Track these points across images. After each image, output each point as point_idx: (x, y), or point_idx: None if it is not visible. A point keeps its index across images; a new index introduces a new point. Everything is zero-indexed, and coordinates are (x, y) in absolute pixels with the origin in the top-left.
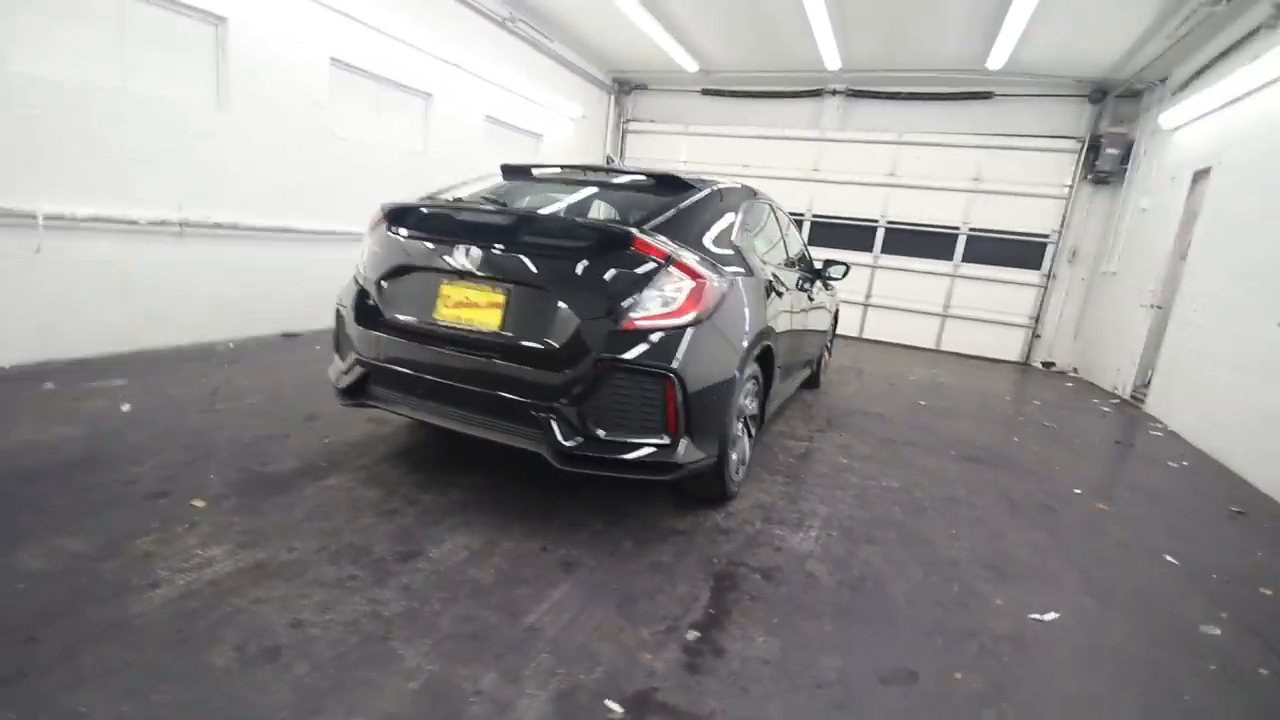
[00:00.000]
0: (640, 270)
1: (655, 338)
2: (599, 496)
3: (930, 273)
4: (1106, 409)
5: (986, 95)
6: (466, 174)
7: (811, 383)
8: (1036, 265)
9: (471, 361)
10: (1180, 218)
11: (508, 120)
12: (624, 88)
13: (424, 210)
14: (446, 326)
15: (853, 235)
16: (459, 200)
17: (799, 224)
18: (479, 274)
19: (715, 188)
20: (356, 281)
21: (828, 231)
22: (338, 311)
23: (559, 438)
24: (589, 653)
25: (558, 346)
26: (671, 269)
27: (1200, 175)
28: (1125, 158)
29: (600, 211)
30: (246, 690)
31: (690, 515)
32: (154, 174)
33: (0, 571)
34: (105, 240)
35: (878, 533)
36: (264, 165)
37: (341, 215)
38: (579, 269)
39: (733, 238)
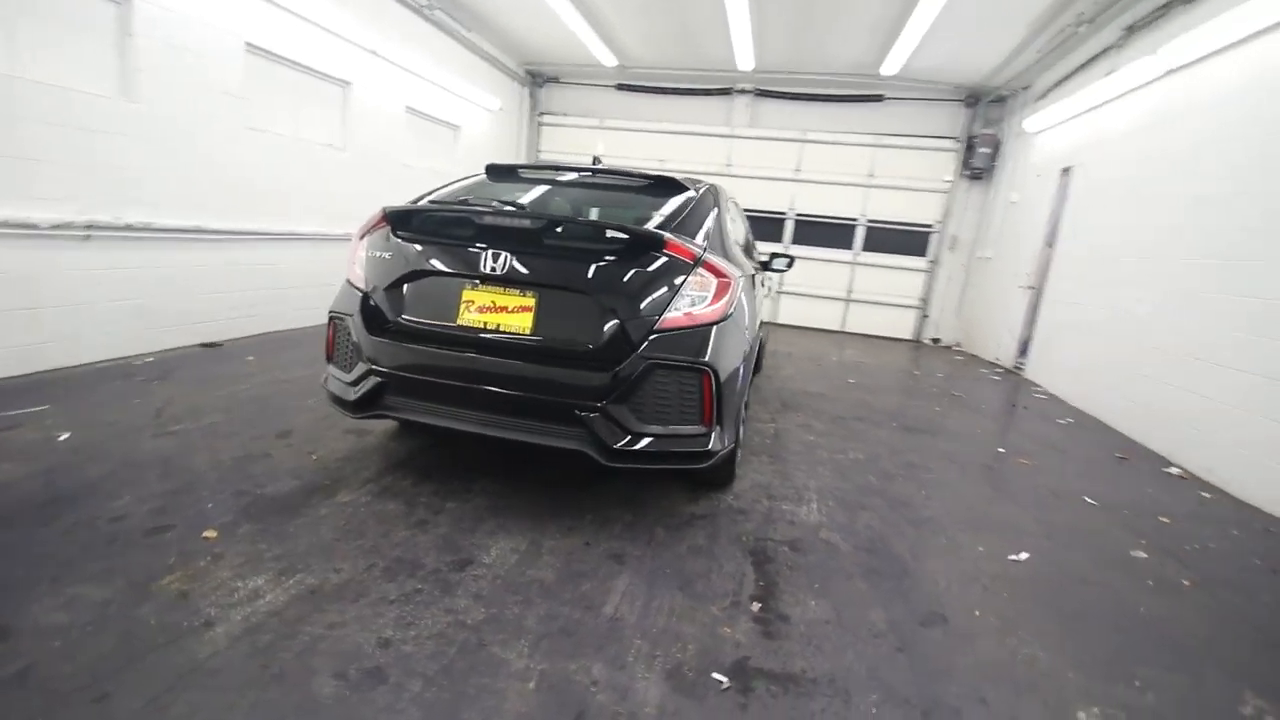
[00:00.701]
0: (672, 271)
1: (690, 334)
2: (614, 490)
3: (834, 261)
4: (995, 378)
5: (878, 98)
6: (387, 169)
7: (756, 367)
8: (923, 252)
9: (503, 366)
10: (1048, 210)
11: (427, 111)
12: (537, 80)
13: (437, 214)
14: (472, 331)
15: (765, 227)
16: (465, 202)
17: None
18: (508, 278)
19: (702, 187)
20: (357, 288)
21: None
22: (335, 321)
23: (606, 436)
24: (674, 633)
25: (599, 347)
26: (700, 269)
27: (1065, 173)
28: (995, 156)
29: (607, 213)
30: (373, 714)
31: (704, 500)
32: (54, 171)
33: (23, 632)
34: (1, 247)
35: (865, 499)
36: (176, 161)
37: (261, 214)
38: (614, 271)
39: (723, 234)
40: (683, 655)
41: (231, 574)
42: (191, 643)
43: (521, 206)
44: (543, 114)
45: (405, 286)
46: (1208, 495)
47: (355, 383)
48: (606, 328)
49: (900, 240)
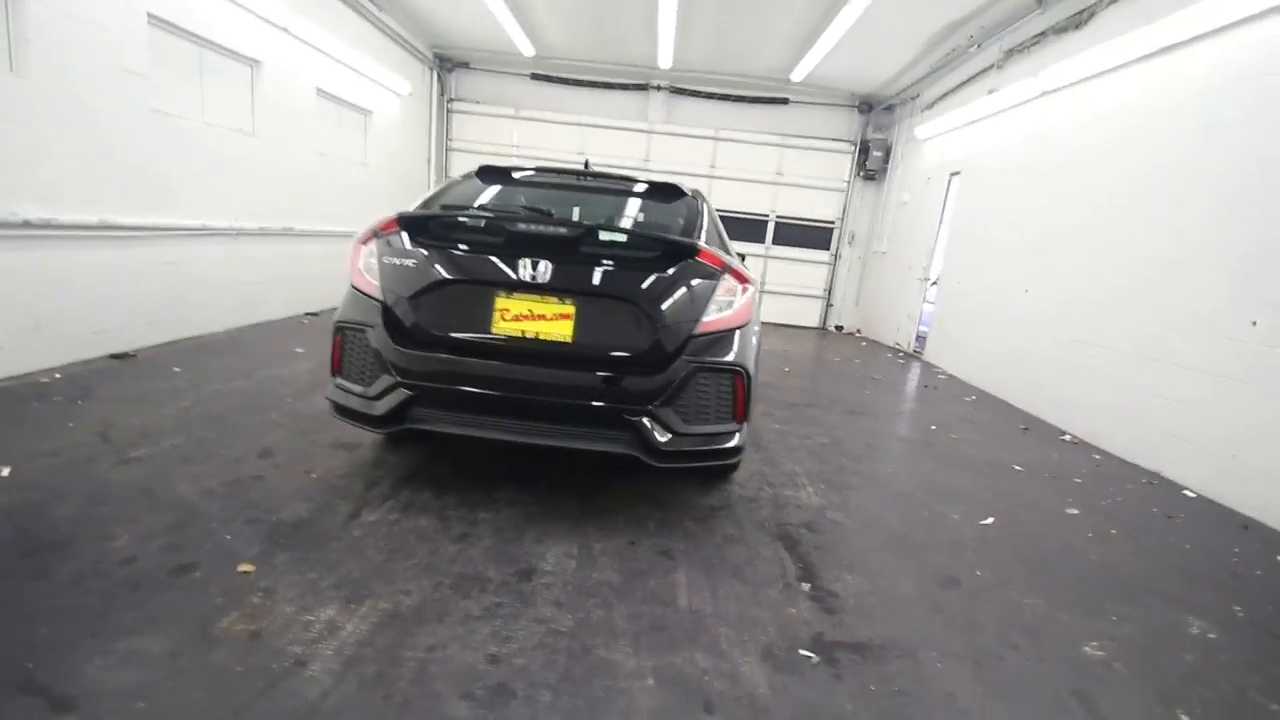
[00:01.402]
0: (705, 278)
1: (723, 338)
2: (629, 490)
3: (748, 255)
4: (901, 361)
5: (784, 101)
6: (300, 156)
7: None
8: (826, 246)
9: (548, 374)
10: (940, 210)
11: (339, 95)
12: (445, 64)
13: (463, 220)
14: (511, 340)
15: None
16: (484, 208)
17: None
18: (546, 286)
19: (692, 190)
20: (372, 297)
21: None
22: (346, 333)
23: (655, 437)
24: (749, 618)
25: (644, 352)
26: (726, 275)
27: (954, 176)
28: (886, 159)
29: (619, 219)
30: None
31: (715, 492)
32: None
33: (92, 697)
34: None
35: (847, 480)
36: (76, 147)
37: (171, 207)
38: (653, 279)
39: (721, 237)
40: (766, 637)
41: (295, 608)
42: (295, 685)
43: (547, 212)
44: (453, 100)
45: (432, 295)
46: (1098, 457)
47: (379, 396)
48: (650, 333)
49: (806, 235)
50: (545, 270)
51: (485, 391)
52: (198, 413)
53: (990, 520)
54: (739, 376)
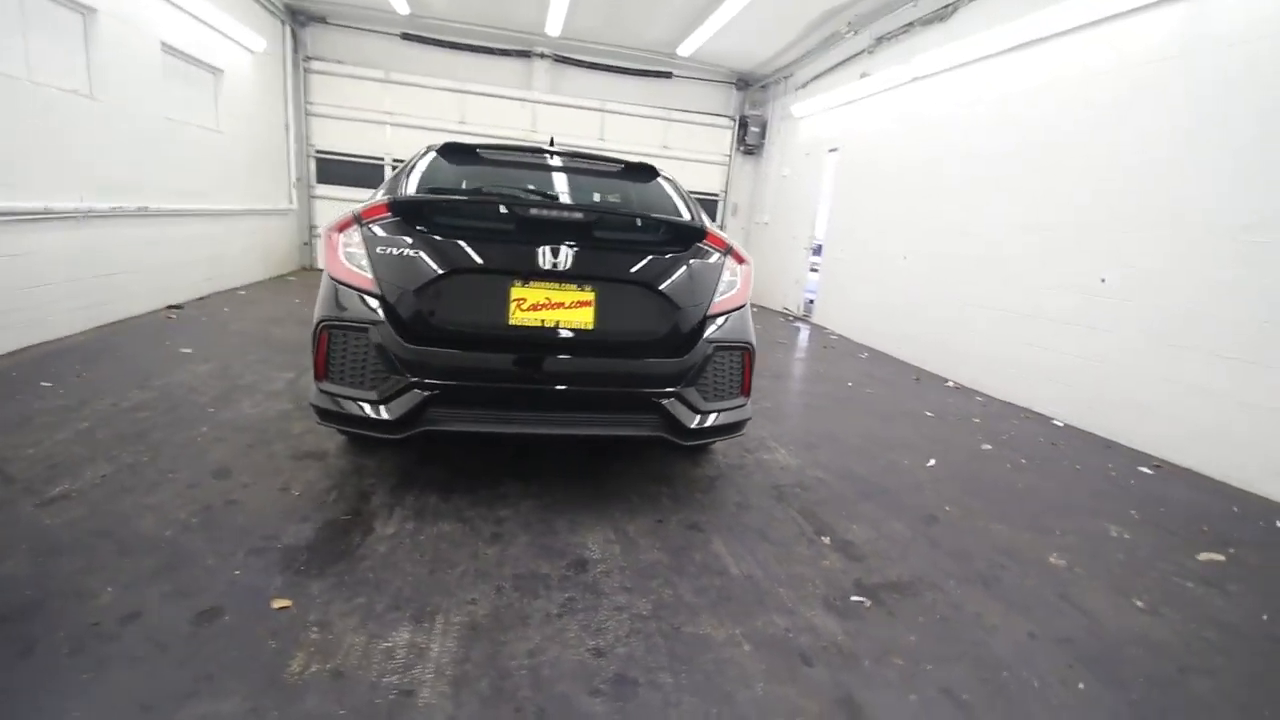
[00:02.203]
0: (713, 259)
1: (732, 317)
2: (627, 470)
3: None
4: (794, 325)
5: (668, 75)
6: (148, 124)
7: None
8: (713, 218)
9: (573, 363)
10: (820, 183)
11: (186, 50)
12: (299, 18)
13: (466, 205)
14: (531, 331)
15: None
16: (482, 190)
17: None
18: (565, 273)
19: (664, 170)
20: (367, 291)
21: None
22: (336, 332)
23: (683, 418)
24: (794, 575)
25: (667, 335)
26: (729, 257)
27: (833, 152)
28: (763, 134)
29: (610, 200)
30: (664, 714)
31: (705, 463)
32: None
33: None
34: None
35: (808, 439)
36: None
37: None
38: (667, 262)
39: (701, 218)
40: (819, 590)
41: (364, 637)
42: (414, 717)
43: (553, 196)
44: (310, 59)
45: (442, 287)
46: (981, 399)
47: (388, 399)
48: (672, 317)
49: None
50: (564, 257)
51: (512, 385)
52: (107, 434)
53: (933, 462)
54: (747, 353)
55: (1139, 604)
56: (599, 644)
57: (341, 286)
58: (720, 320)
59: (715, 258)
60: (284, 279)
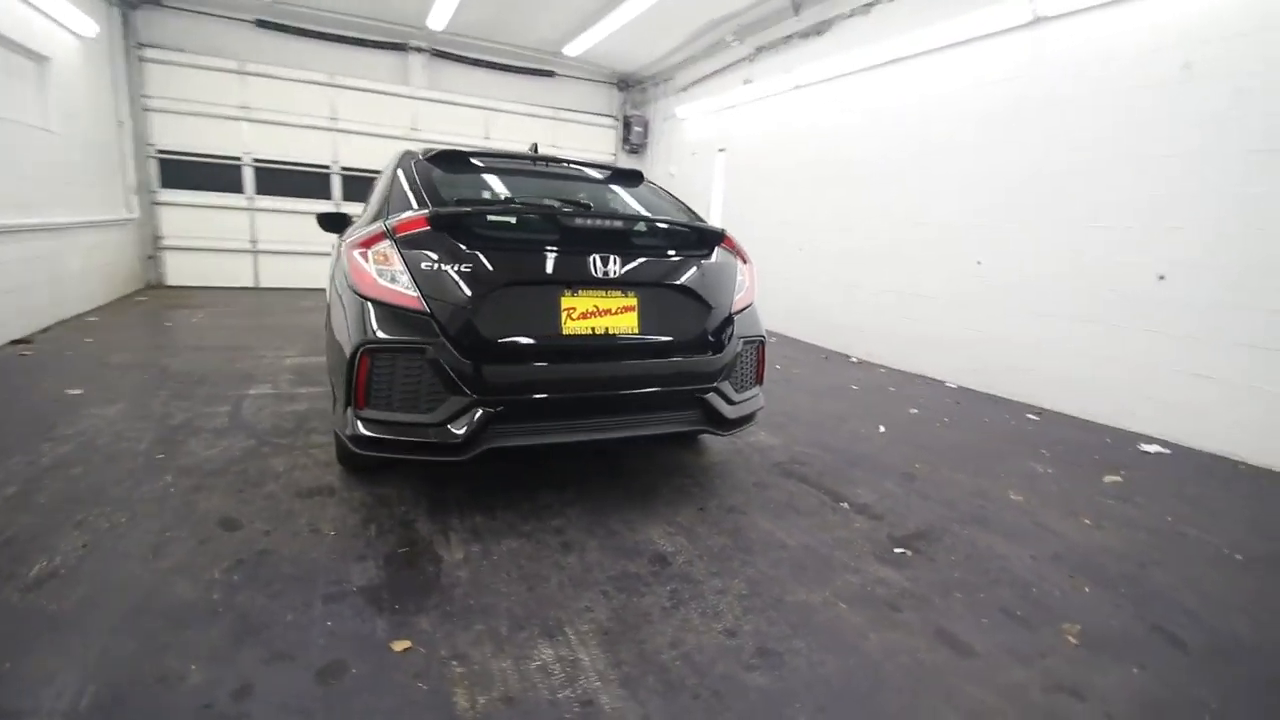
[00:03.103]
0: (730, 260)
1: (748, 313)
2: (640, 465)
3: None
4: None
5: (550, 74)
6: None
7: None
8: None
9: (627, 367)
10: (709, 181)
11: (4, 33)
12: (130, 0)
13: (508, 218)
14: (584, 339)
15: None
16: (528, 202)
17: None
18: (610, 280)
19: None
20: (412, 310)
21: None
22: (382, 354)
23: (723, 410)
24: (839, 539)
25: (704, 334)
26: (738, 258)
27: (720, 152)
28: (646, 134)
29: (620, 207)
30: (812, 676)
31: (705, 450)
32: None
33: None
34: None
35: (777, 421)
36: None
37: None
38: (699, 264)
39: None
40: (866, 548)
41: (509, 661)
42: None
43: (587, 205)
44: (144, 46)
45: (495, 301)
46: (884, 371)
47: (451, 420)
48: (706, 316)
49: None
50: (612, 264)
51: (573, 395)
52: (50, 498)
53: (883, 429)
54: (762, 346)
55: (1087, 522)
56: (725, 625)
57: (379, 306)
58: (742, 317)
59: (731, 258)
60: (132, 299)
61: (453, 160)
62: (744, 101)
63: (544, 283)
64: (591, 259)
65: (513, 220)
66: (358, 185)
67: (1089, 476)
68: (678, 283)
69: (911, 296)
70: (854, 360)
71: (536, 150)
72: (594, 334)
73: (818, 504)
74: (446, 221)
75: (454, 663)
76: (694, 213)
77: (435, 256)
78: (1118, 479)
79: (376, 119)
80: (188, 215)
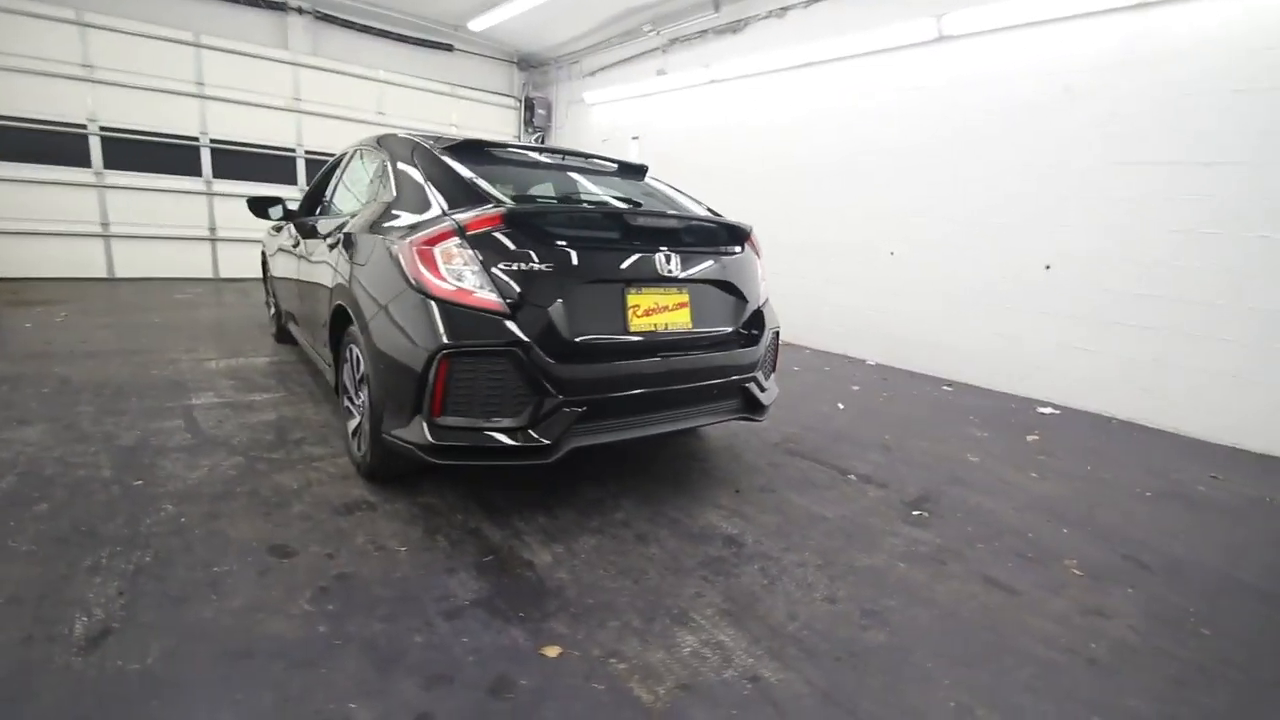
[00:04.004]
0: (752, 255)
1: (767, 304)
2: (662, 454)
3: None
4: None
5: (449, 48)
6: None
7: None
8: None
9: (689, 360)
10: None
11: None
12: None
13: (583, 215)
14: (649, 335)
15: None
16: (596, 202)
17: (293, 162)
18: (670, 278)
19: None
20: (488, 311)
21: None
22: (463, 359)
23: (760, 397)
24: (865, 508)
25: (744, 326)
26: (755, 252)
27: (634, 139)
28: (549, 116)
29: (632, 200)
30: (915, 622)
31: (706, 436)
32: None
33: None
34: None
35: None
36: None
37: None
38: (735, 261)
39: None
40: (890, 514)
41: (661, 651)
42: (781, 694)
43: (636, 203)
44: None
45: (572, 300)
46: (809, 351)
47: (537, 423)
48: (744, 309)
49: None
50: (673, 262)
51: (646, 390)
52: (32, 541)
53: (842, 406)
54: (778, 336)
55: (1034, 475)
56: (823, 594)
57: (454, 308)
58: (766, 309)
59: (753, 254)
60: None
61: (476, 152)
62: (660, 91)
63: (613, 281)
64: (656, 256)
65: (584, 217)
66: (232, 160)
67: (1014, 437)
68: (722, 278)
69: (833, 283)
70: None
71: (543, 141)
72: (655, 330)
73: (829, 478)
74: (521, 219)
75: (612, 660)
76: (710, 208)
77: (515, 255)
78: (1036, 438)
79: (252, 85)
80: (17, 193)
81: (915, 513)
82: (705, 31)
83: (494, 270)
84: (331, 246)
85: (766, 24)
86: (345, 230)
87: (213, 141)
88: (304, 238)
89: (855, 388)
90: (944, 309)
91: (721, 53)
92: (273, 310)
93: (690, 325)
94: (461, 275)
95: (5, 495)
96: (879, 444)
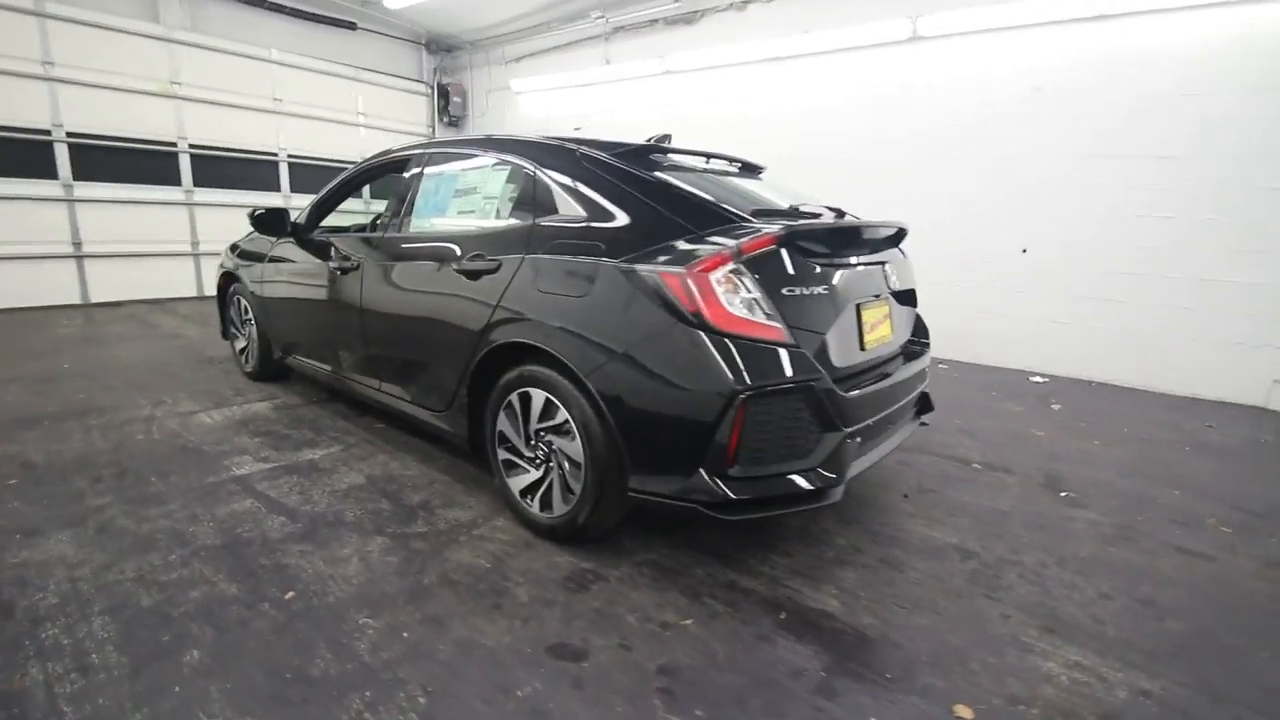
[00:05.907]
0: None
1: None
2: None
3: (346, 210)
4: None
5: (352, 26)
6: None
7: None
8: None
9: (904, 372)
10: None
11: None
12: None
13: (834, 230)
14: (877, 352)
15: (251, 171)
16: (795, 209)
17: (170, 155)
18: (890, 291)
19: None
20: (778, 344)
21: (216, 168)
22: (760, 400)
23: (929, 400)
24: (1019, 496)
25: (918, 332)
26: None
27: (575, 130)
28: (465, 105)
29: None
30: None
31: None
32: None
33: None
34: None
35: None
36: None
37: None
38: (907, 266)
39: None
40: (1044, 499)
41: (1050, 691)
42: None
43: (841, 212)
44: None
45: (837, 324)
46: None
47: (827, 460)
48: (915, 315)
49: None
50: (892, 274)
51: (889, 409)
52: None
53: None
54: None
55: (1097, 443)
56: (1095, 591)
57: (744, 343)
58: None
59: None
60: None
61: (657, 155)
62: (605, 81)
63: (854, 298)
64: (885, 270)
65: (839, 233)
66: (98, 157)
67: (1043, 407)
68: (910, 286)
69: None
70: None
71: (670, 142)
72: (879, 345)
73: (961, 471)
74: (792, 238)
75: (1022, 706)
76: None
77: (788, 279)
78: (1059, 407)
79: (116, 66)
80: None
81: (1062, 494)
82: (656, 21)
83: (775, 296)
84: (473, 276)
85: (725, 16)
86: (527, 255)
87: (69, 134)
88: (384, 259)
89: None
90: (931, 292)
91: (674, 44)
92: (244, 343)
93: (891, 336)
94: (748, 304)
95: (122, 644)
96: (952, 426)
